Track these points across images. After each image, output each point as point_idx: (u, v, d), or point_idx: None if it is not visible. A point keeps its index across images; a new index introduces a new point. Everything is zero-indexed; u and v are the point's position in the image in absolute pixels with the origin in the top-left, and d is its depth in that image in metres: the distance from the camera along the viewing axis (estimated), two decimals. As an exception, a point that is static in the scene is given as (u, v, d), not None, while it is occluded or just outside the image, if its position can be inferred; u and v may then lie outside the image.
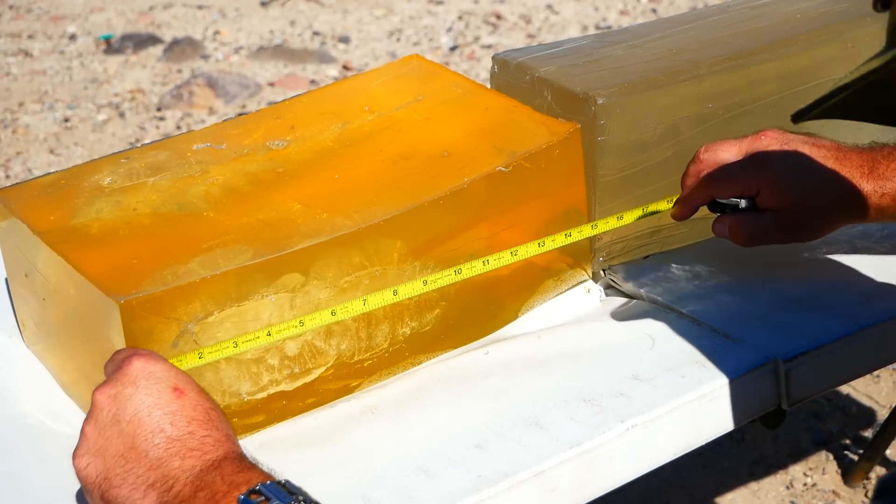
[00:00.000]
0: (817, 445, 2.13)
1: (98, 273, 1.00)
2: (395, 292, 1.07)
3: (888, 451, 2.05)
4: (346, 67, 3.70)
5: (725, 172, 1.13)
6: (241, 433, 1.03)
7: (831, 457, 2.11)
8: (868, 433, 2.14)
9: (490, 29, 3.92)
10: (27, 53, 3.86)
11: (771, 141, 1.13)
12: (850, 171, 1.12)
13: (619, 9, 4.02)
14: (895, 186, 1.11)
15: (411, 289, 1.08)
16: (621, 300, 1.24)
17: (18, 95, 3.58)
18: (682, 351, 1.12)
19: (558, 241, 1.16)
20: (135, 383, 0.87)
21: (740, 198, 1.12)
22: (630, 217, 1.18)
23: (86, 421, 0.88)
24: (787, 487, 2.05)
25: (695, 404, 1.07)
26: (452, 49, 3.79)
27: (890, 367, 2.25)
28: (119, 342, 0.97)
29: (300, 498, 0.81)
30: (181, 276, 1.00)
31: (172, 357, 0.97)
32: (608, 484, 1.04)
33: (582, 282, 1.26)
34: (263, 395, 1.05)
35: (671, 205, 1.18)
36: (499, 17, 4.01)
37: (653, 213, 1.18)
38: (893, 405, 2.05)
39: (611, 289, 1.26)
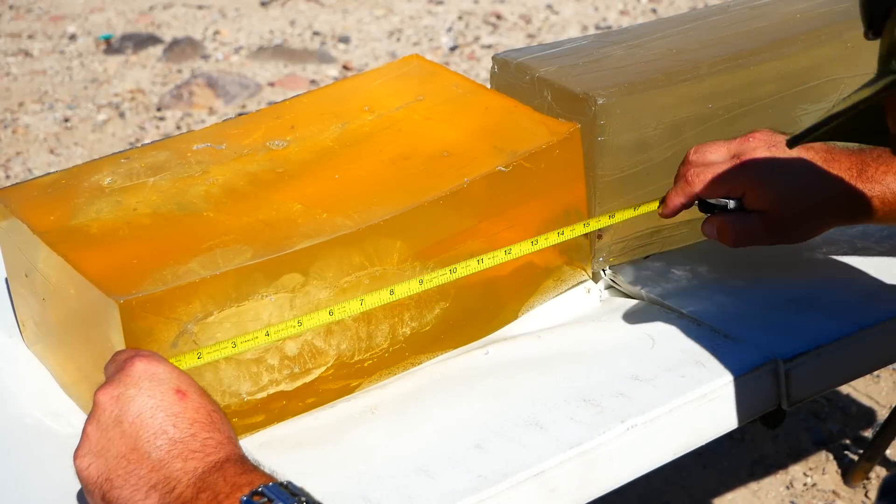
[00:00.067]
0: (817, 445, 2.13)
1: (98, 273, 1.00)
2: (391, 292, 1.07)
3: (888, 451, 2.05)
4: (346, 67, 3.70)
5: (711, 173, 1.13)
6: (241, 433, 1.03)
7: (831, 457, 2.11)
8: (868, 433, 2.14)
9: (490, 29, 3.92)
10: (27, 53, 3.86)
11: (759, 142, 1.13)
12: (839, 174, 1.12)
13: (619, 9, 4.02)
14: (884, 189, 1.11)
15: (408, 288, 1.08)
16: (621, 300, 1.24)
17: (18, 95, 3.58)
18: (682, 351, 1.12)
19: (551, 239, 1.16)
20: (137, 384, 0.87)
21: (728, 198, 1.13)
22: (621, 216, 1.18)
23: (88, 421, 0.88)
24: (787, 487, 2.05)
25: (695, 404, 1.07)
26: (452, 49, 3.79)
27: (890, 367, 2.25)
28: (119, 342, 0.97)
29: (302, 499, 0.81)
30: (181, 276, 1.00)
31: (171, 357, 0.97)
32: (608, 484, 1.04)
33: (582, 282, 1.26)
34: (263, 395, 1.05)
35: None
36: (499, 17, 4.01)
37: (644, 213, 1.19)
38: (893, 405, 2.05)
39: (611, 289, 1.26)
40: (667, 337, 1.15)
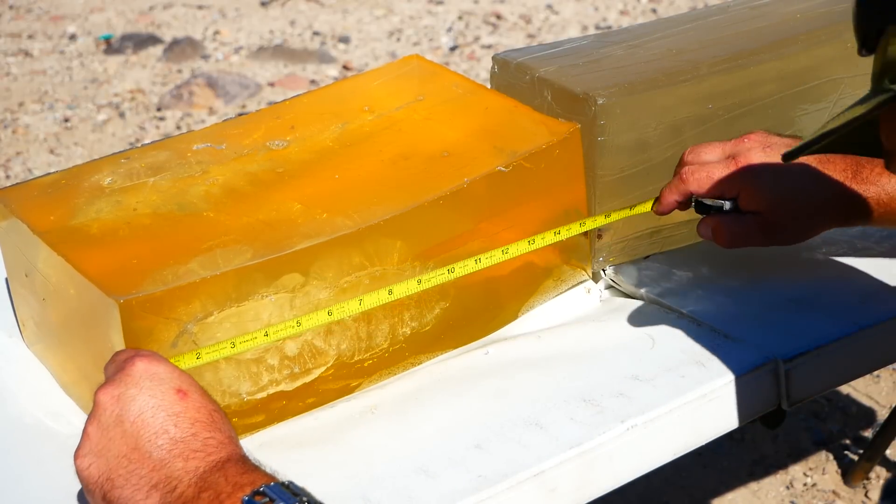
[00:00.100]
0: (817, 445, 2.13)
1: (98, 273, 1.00)
2: (390, 292, 1.07)
3: (888, 451, 2.05)
4: (346, 67, 3.70)
5: (706, 171, 1.13)
6: (242, 433, 1.03)
7: (831, 457, 2.11)
8: (868, 433, 2.14)
9: (490, 29, 3.92)
10: (27, 53, 3.86)
11: (754, 144, 1.13)
12: (834, 175, 1.11)
13: (619, 9, 4.02)
14: (879, 191, 1.11)
15: (406, 288, 1.08)
16: (621, 300, 1.24)
17: (18, 95, 3.58)
18: (682, 351, 1.12)
19: (548, 238, 1.16)
20: (138, 384, 0.87)
21: (724, 199, 1.13)
22: (617, 216, 1.18)
23: (88, 421, 0.88)
24: (787, 487, 2.05)
25: (695, 404, 1.07)
26: (452, 49, 3.79)
27: (890, 367, 2.25)
28: (119, 342, 0.97)
29: (304, 499, 0.81)
30: (181, 276, 1.00)
31: (171, 357, 0.97)
32: (608, 484, 1.04)
33: (582, 282, 1.26)
34: (263, 395, 1.05)
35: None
36: (499, 17, 4.01)
37: (640, 213, 1.19)
38: (893, 405, 2.05)
39: (611, 289, 1.26)
40: (667, 337, 1.15)
